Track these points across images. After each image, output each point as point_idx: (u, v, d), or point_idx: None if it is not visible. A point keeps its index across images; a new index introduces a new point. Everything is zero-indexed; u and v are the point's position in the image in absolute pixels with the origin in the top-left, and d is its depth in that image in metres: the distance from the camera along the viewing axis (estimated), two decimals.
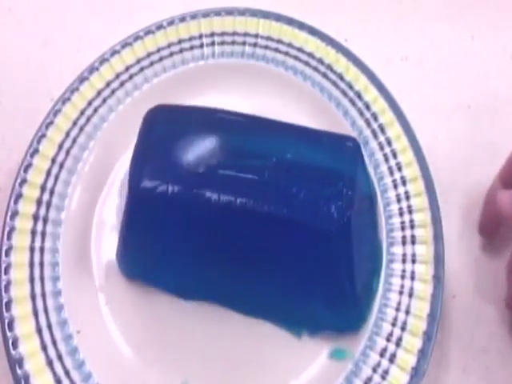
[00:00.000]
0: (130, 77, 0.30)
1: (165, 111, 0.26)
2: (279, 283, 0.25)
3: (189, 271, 0.26)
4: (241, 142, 0.25)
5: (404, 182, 0.28)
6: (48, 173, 0.28)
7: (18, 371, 0.25)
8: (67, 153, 0.29)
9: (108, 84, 0.30)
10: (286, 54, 0.30)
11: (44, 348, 0.25)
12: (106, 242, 0.28)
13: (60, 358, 0.26)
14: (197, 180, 0.24)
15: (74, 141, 0.29)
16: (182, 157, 0.24)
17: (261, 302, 0.26)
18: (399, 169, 0.28)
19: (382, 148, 0.29)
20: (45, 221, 0.27)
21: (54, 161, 0.28)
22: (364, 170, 0.26)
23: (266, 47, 0.30)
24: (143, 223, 0.26)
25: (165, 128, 0.25)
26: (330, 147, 0.25)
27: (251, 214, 0.23)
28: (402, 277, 0.26)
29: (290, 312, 0.26)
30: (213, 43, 0.31)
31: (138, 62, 0.30)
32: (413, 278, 0.26)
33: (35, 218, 0.27)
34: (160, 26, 0.30)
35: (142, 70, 0.30)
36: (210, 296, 0.26)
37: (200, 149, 0.24)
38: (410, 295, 0.26)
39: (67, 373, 0.25)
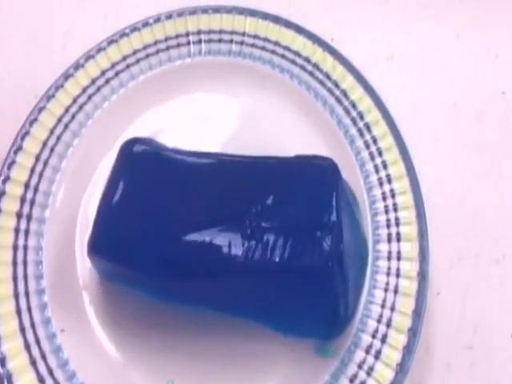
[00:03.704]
0: (116, 74, 0.30)
1: (141, 147, 0.26)
2: (267, 295, 0.25)
3: (172, 286, 0.25)
4: (219, 192, 0.24)
5: (389, 180, 0.28)
6: (32, 170, 0.28)
7: (1, 370, 0.25)
8: (51, 150, 0.28)
9: (93, 81, 0.29)
10: (273, 52, 0.30)
11: (27, 347, 0.25)
12: None
13: (43, 357, 0.25)
14: (177, 253, 0.23)
15: (59, 138, 0.29)
16: (155, 208, 0.24)
17: (249, 308, 0.26)
18: (385, 167, 0.28)
19: (367, 146, 0.29)
20: (28, 219, 0.27)
21: (38, 158, 0.28)
22: (343, 188, 0.25)
23: (253, 45, 0.30)
24: (110, 270, 0.25)
25: (140, 170, 0.25)
26: (307, 178, 0.24)
27: (239, 270, 0.23)
28: (388, 274, 0.27)
29: (278, 319, 0.26)
30: (199, 41, 0.31)
31: (124, 59, 0.30)
32: (398, 275, 0.26)
33: (19, 215, 0.27)
34: (146, 24, 0.30)
35: (127, 67, 0.30)
36: (195, 303, 0.26)
37: (177, 200, 0.24)
38: (396, 292, 0.26)
39: (51, 372, 0.25)
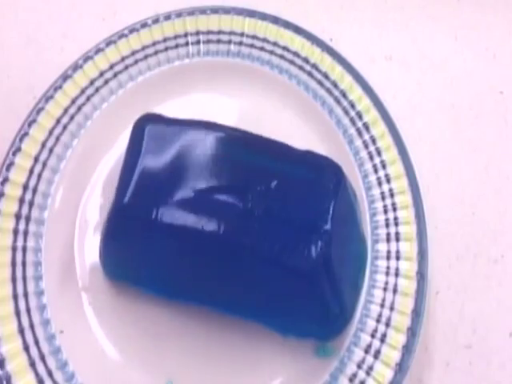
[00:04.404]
0: (115, 75, 0.30)
1: (154, 122, 0.26)
2: (264, 297, 0.25)
3: (174, 282, 0.26)
4: (229, 164, 0.25)
5: (388, 180, 0.28)
6: (31, 171, 0.28)
7: (0, 372, 0.25)
8: (50, 151, 0.28)
9: (92, 82, 0.29)
10: (272, 52, 0.30)
11: (26, 348, 0.25)
12: (90, 242, 0.28)
13: (43, 358, 0.25)
14: (183, 203, 0.24)
15: (57, 139, 0.29)
16: (170, 175, 0.24)
17: (247, 308, 0.26)
18: (383, 167, 0.28)
19: (366, 146, 0.29)
20: (27, 220, 0.27)
21: (36, 159, 0.28)
22: (346, 191, 0.26)
23: (252, 46, 0.30)
24: (125, 240, 0.25)
25: (154, 141, 0.25)
26: (312, 175, 0.25)
27: (236, 246, 0.24)
28: (387, 273, 0.27)
29: (276, 320, 0.26)
30: (198, 41, 0.31)
31: (123, 60, 0.30)
32: (397, 275, 0.26)
33: (17, 217, 0.27)
34: (145, 25, 0.30)
35: (126, 68, 0.30)
36: (196, 297, 0.26)
37: (189, 169, 0.24)
38: (395, 291, 0.26)
39: (50, 373, 0.25)
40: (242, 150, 0.25)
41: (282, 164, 0.25)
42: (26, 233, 0.27)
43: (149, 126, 0.26)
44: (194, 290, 0.26)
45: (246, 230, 0.23)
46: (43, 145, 0.28)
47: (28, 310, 0.26)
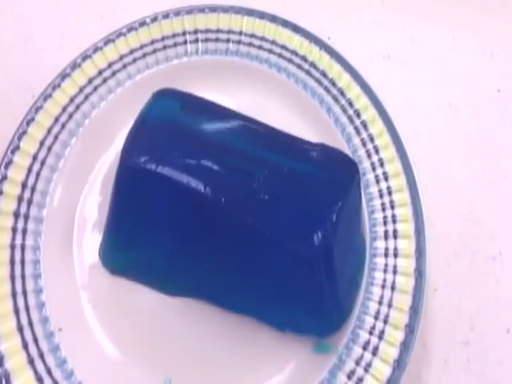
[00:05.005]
0: (113, 73, 0.30)
1: (173, 95, 0.26)
2: (263, 289, 0.25)
3: (175, 265, 0.26)
4: (240, 143, 0.25)
5: (386, 178, 0.28)
6: (29, 170, 0.28)
7: None
8: (49, 150, 0.28)
9: (90, 81, 0.30)
10: (270, 51, 0.31)
11: (25, 346, 0.25)
12: (89, 240, 0.28)
13: (41, 356, 0.25)
14: (191, 175, 0.24)
15: (56, 138, 0.29)
16: (181, 145, 0.24)
17: (246, 302, 0.26)
18: (381, 164, 0.29)
19: (364, 144, 0.29)
20: (26, 218, 0.27)
21: (35, 158, 0.28)
22: (358, 191, 0.26)
23: (250, 44, 0.31)
24: (131, 209, 0.25)
25: (169, 111, 0.25)
26: (325, 167, 0.25)
27: (237, 223, 0.23)
28: (385, 271, 0.27)
29: (275, 315, 0.26)
30: (196, 40, 0.31)
31: (121, 58, 0.30)
32: (395, 272, 0.27)
33: (16, 215, 0.27)
34: (143, 23, 0.30)
35: (124, 66, 0.30)
36: (195, 290, 0.26)
37: (200, 142, 0.24)
38: (393, 289, 0.26)
39: (49, 371, 0.25)
40: (254, 135, 0.25)
41: (295, 154, 0.25)
42: (24, 231, 0.27)
43: (166, 98, 0.26)
44: (194, 278, 0.26)
45: (250, 207, 0.23)
46: (42, 143, 0.28)
47: (27, 308, 0.26)
